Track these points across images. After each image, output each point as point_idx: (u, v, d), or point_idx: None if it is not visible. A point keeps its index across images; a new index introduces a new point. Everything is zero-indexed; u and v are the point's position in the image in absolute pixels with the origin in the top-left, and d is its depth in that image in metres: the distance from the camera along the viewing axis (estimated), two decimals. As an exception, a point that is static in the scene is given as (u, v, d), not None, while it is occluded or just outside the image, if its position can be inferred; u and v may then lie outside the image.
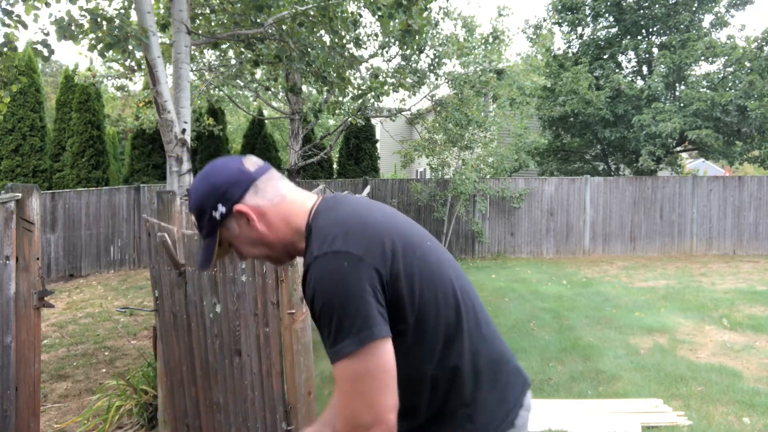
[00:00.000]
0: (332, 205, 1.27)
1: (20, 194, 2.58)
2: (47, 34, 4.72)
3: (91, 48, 4.55)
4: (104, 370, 5.24)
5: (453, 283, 1.30)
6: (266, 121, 16.17)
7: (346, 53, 6.31)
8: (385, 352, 1.13)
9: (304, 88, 11.79)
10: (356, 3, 7.70)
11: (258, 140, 15.65)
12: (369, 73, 8.95)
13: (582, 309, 7.11)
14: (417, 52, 10.16)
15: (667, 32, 14.32)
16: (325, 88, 7.34)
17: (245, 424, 2.19)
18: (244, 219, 1.24)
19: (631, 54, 15.13)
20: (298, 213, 1.27)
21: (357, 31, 7.60)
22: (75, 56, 71.32)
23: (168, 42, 5.44)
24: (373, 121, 16.02)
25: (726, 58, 13.27)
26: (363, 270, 1.13)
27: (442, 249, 1.39)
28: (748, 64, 12.86)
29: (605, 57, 14.83)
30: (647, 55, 14.78)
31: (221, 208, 1.23)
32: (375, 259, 1.15)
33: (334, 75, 6.03)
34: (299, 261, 1.92)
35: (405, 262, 1.19)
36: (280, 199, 1.27)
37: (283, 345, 1.96)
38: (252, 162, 1.28)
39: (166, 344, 2.74)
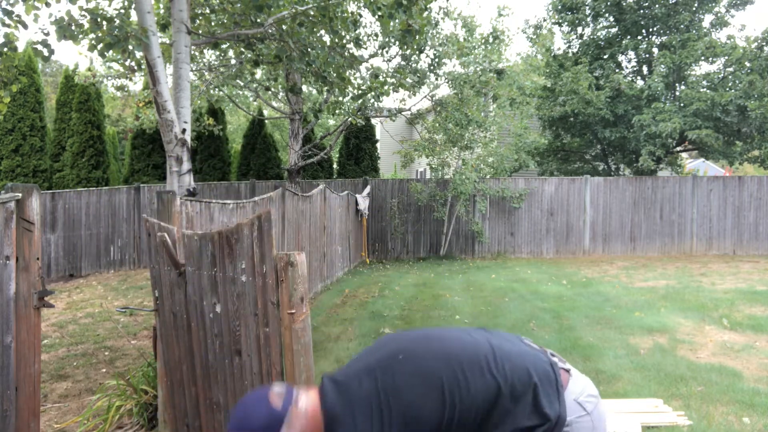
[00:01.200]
0: (332, 402, 1.45)
1: (20, 194, 2.58)
2: (47, 34, 4.72)
3: (91, 48, 4.54)
4: (104, 370, 5.24)
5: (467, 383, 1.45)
6: (266, 121, 16.17)
7: (346, 53, 6.31)
8: None
9: (304, 88, 11.79)
10: (356, 3, 7.70)
11: (258, 140, 15.65)
12: (369, 73, 8.94)
13: (582, 309, 7.11)
14: (417, 52, 10.16)
15: (667, 32, 14.32)
16: (325, 88, 7.34)
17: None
18: None
19: (631, 54, 15.13)
20: (318, 422, 1.45)
21: (357, 31, 7.60)
22: (75, 56, 71.32)
23: (168, 42, 5.44)
24: (373, 121, 16.02)
25: (726, 58, 13.27)
26: None
27: (409, 335, 1.57)
28: (748, 64, 12.86)
29: (605, 57, 14.83)
30: (647, 55, 14.79)
31: None
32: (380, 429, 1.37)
33: (334, 75, 6.02)
34: (299, 261, 1.92)
35: (405, 409, 1.38)
36: (305, 421, 1.44)
37: (283, 345, 1.96)
38: (277, 394, 1.45)
39: (166, 344, 2.75)
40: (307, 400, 1.46)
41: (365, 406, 1.39)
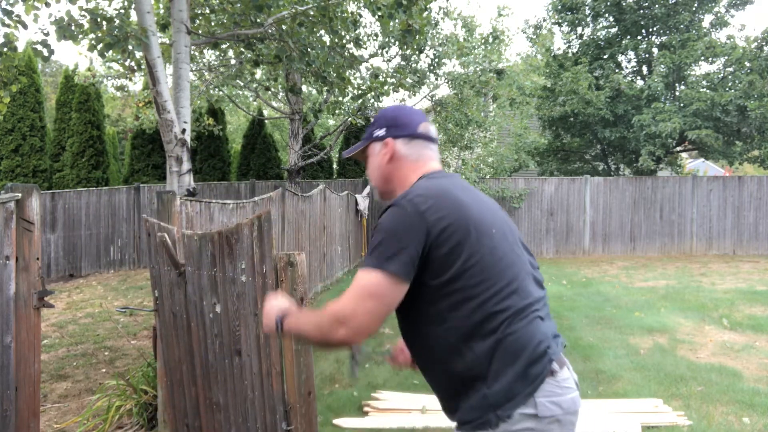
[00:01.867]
0: (435, 176, 1.58)
1: (20, 194, 2.58)
2: (47, 34, 4.72)
3: (91, 48, 4.54)
4: (104, 370, 5.24)
5: (503, 274, 1.44)
6: (266, 121, 16.17)
7: (346, 53, 6.31)
8: (393, 287, 1.37)
9: (304, 88, 11.79)
10: (356, 3, 7.70)
11: (258, 140, 15.65)
12: (369, 73, 8.95)
13: (582, 309, 7.11)
14: (417, 52, 10.16)
15: (667, 32, 14.32)
16: (325, 88, 7.34)
17: (245, 424, 2.19)
18: (384, 149, 1.61)
19: (631, 54, 15.13)
20: (416, 174, 1.59)
21: (357, 31, 7.61)
22: (75, 56, 71.28)
23: (168, 42, 5.44)
24: (373, 121, 15.99)
25: (726, 58, 13.28)
26: (416, 221, 1.38)
27: (509, 236, 1.53)
28: (747, 64, 12.86)
29: (605, 57, 14.83)
30: (647, 55, 14.79)
31: (382, 132, 1.63)
32: (431, 219, 1.38)
33: (334, 75, 6.03)
34: (299, 260, 1.92)
35: (459, 240, 1.39)
36: (415, 160, 1.61)
37: (283, 345, 1.96)
38: (425, 126, 1.64)
39: (166, 344, 2.75)
40: (428, 159, 1.62)
41: (447, 213, 1.41)
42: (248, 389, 2.14)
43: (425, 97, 12.59)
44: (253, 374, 2.12)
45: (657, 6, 13.89)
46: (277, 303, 1.54)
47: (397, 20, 5.68)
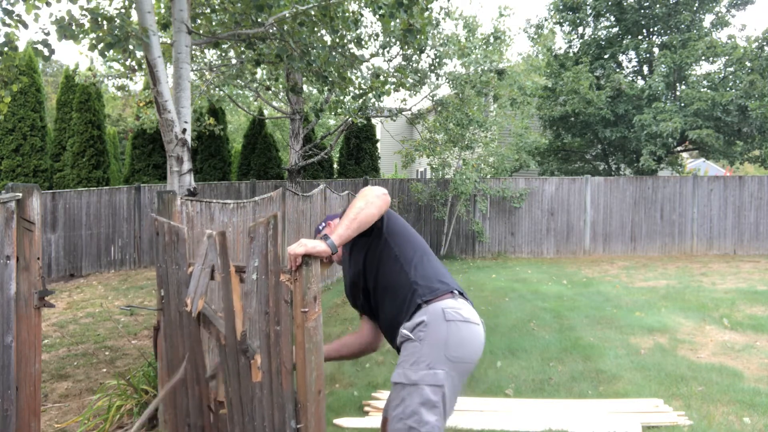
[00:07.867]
0: None
1: (21, 194, 2.58)
2: (48, 34, 4.72)
3: (92, 48, 4.54)
4: (105, 370, 5.24)
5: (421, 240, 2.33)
6: (267, 121, 16.17)
7: (347, 53, 6.31)
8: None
9: (304, 87, 11.79)
10: (357, 2, 7.69)
11: (258, 140, 15.65)
12: (370, 72, 8.94)
13: (582, 309, 7.10)
14: (418, 52, 10.15)
15: (668, 32, 14.32)
16: (326, 87, 7.33)
17: (251, 423, 2.19)
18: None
19: (632, 54, 15.14)
20: None
21: (358, 31, 7.60)
22: (75, 56, 71.38)
23: (168, 42, 5.44)
24: (374, 120, 16.02)
25: (726, 57, 13.27)
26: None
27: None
28: (748, 64, 12.86)
29: (606, 57, 14.83)
30: (648, 55, 14.78)
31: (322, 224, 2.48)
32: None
33: (335, 74, 6.02)
34: (314, 260, 1.94)
35: (394, 217, 2.29)
36: None
37: (294, 343, 1.96)
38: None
39: (170, 344, 2.74)
40: None
41: None
42: (256, 388, 2.14)
43: (426, 96, 12.59)
44: (262, 372, 2.12)
45: (658, 6, 13.89)
46: (305, 240, 1.88)
47: (398, 20, 5.68)
